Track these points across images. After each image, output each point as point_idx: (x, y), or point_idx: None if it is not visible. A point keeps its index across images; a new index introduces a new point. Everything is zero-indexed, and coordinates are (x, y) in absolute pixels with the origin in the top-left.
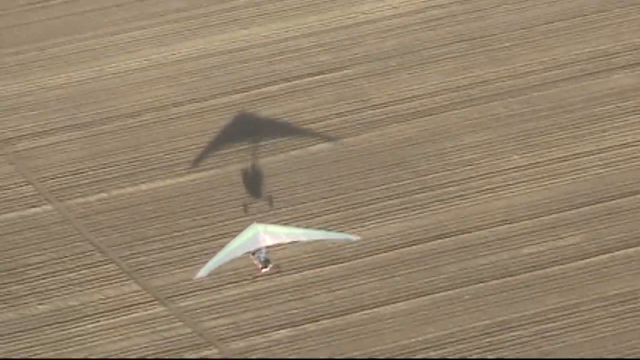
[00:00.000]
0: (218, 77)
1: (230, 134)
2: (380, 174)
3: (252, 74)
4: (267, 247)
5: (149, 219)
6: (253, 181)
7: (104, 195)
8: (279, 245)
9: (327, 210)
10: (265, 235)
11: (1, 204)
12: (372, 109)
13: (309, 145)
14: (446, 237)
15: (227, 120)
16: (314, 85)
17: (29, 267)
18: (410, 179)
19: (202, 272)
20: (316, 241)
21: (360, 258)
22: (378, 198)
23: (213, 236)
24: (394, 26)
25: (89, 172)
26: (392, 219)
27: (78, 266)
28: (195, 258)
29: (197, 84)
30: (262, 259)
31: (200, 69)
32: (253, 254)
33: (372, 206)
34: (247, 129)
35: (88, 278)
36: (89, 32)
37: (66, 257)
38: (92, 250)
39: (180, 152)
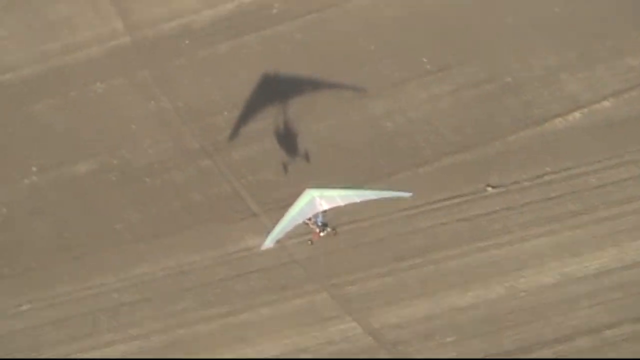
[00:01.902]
0: None
1: None
2: None
3: None
4: (324, 211)
5: None
6: None
7: None
8: (334, 207)
9: None
10: (321, 199)
11: None
12: None
13: None
14: None
15: None
16: None
17: None
18: None
19: (268, 242)
20: (370, 200)
21: None
22: None
23: None
24: None
25: None
26: None
27: None
28: None
29: (623, 302)
30: (320, 223)
31: (622, 282)
32: (309, 219)
33: None
34: None
35: None
36: (489, 241)
37: None
38: None
39: None
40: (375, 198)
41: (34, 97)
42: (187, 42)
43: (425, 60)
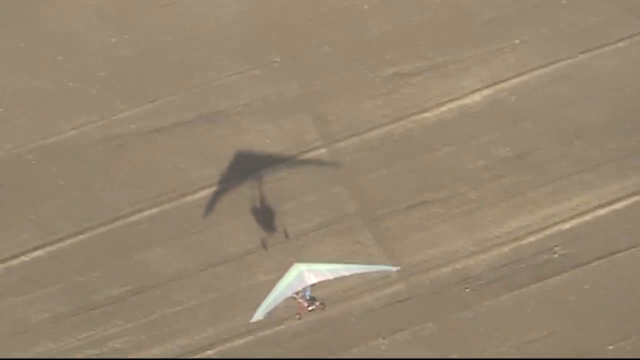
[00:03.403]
0: None
1: None
2: None
3: None
4: (312, 285)
5: None
6: None
7: None
8: (323, 282)
9: None
10: (310, 273)
11: None
12: None
13: None
14: None
15: None
16: None
17: None
18: None
19: (258, 315)
20: (358, 274)
21: None
22: None
23: None
24: None
25: None
26: None
27: None
28: None
29: None
30: (308, 297)
31: None
32: (297, 293)
33: None
34: None
35: None
36: None
37: None
38: None
39: None
40: (362, 272)
41: None
42: (467, 290)
43: None
